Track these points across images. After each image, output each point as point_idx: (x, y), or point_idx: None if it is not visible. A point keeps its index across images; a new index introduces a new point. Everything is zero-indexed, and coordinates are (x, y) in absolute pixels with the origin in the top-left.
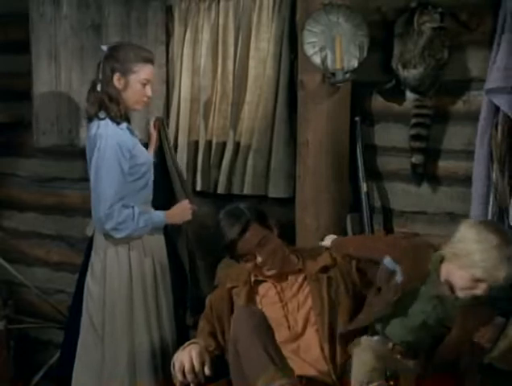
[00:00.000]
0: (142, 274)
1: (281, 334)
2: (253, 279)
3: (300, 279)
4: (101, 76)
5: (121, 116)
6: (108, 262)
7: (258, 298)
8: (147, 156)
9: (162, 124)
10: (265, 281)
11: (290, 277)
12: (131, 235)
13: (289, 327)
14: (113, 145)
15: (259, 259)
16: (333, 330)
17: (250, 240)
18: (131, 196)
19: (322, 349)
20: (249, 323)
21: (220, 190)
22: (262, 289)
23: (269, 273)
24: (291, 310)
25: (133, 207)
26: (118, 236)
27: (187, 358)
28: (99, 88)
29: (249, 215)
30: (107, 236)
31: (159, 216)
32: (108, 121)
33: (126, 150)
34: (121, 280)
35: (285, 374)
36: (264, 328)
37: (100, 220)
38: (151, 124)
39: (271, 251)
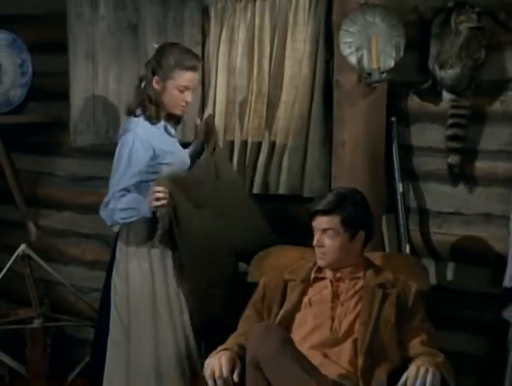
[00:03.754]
0: (163, 269)
1: (319, 336)
2: (313, 275)
3: (358, 287)
4: (146, 74)
5: (158, 117)
6: (130, 257)
7: (309, 294)
8: (176, 157)
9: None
10: (323, 279)
11: (348, 282)
12: (114, 216)
13: (331, 329)
14: (134, 141)
15: (314, 241)
16: (372, 344)
17: (320, 223)
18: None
19: (355, 358)
20: (275, 339)
21: (256, 190)
22: (317, 287)
23: (320, 264)
24: (338, 313)
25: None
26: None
27: (217, 364)
28: (143, 85)
29: (342, 209)
30: (128, 230)
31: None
32: (141, 118)
33: (149, 148)
34: (143, 276)
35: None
36: (290, 342)
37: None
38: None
39: (330, 246)
